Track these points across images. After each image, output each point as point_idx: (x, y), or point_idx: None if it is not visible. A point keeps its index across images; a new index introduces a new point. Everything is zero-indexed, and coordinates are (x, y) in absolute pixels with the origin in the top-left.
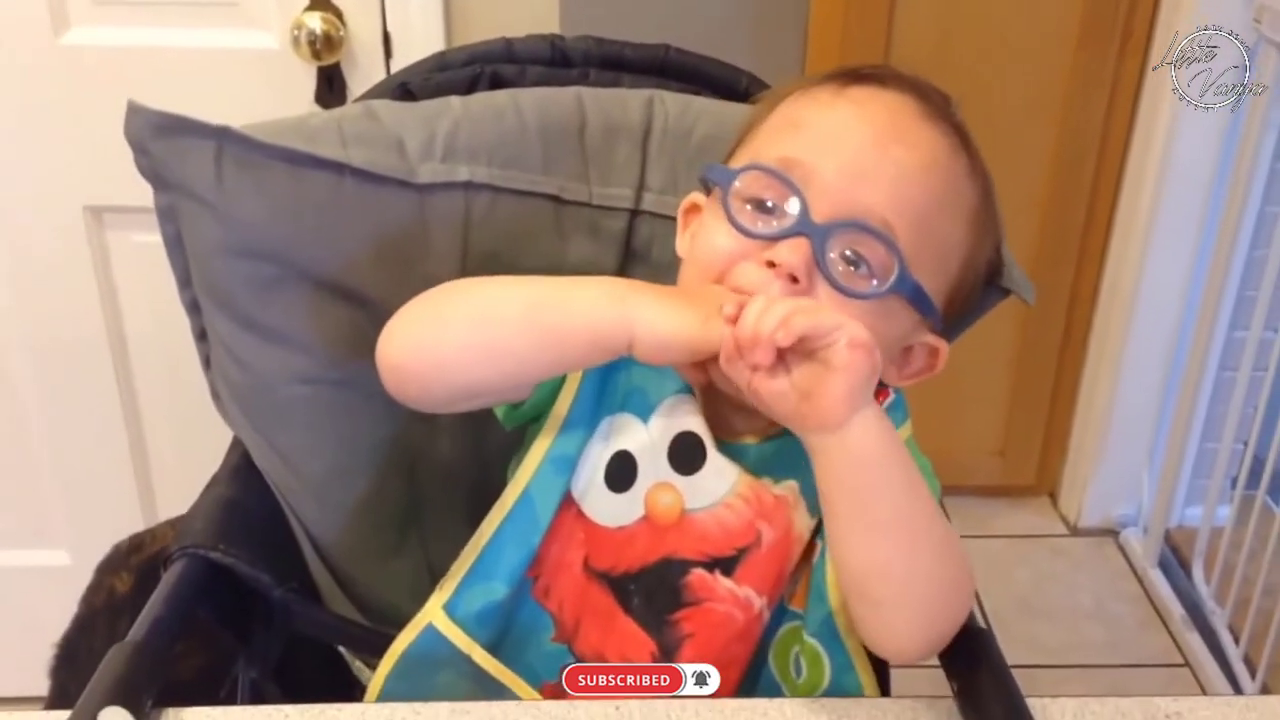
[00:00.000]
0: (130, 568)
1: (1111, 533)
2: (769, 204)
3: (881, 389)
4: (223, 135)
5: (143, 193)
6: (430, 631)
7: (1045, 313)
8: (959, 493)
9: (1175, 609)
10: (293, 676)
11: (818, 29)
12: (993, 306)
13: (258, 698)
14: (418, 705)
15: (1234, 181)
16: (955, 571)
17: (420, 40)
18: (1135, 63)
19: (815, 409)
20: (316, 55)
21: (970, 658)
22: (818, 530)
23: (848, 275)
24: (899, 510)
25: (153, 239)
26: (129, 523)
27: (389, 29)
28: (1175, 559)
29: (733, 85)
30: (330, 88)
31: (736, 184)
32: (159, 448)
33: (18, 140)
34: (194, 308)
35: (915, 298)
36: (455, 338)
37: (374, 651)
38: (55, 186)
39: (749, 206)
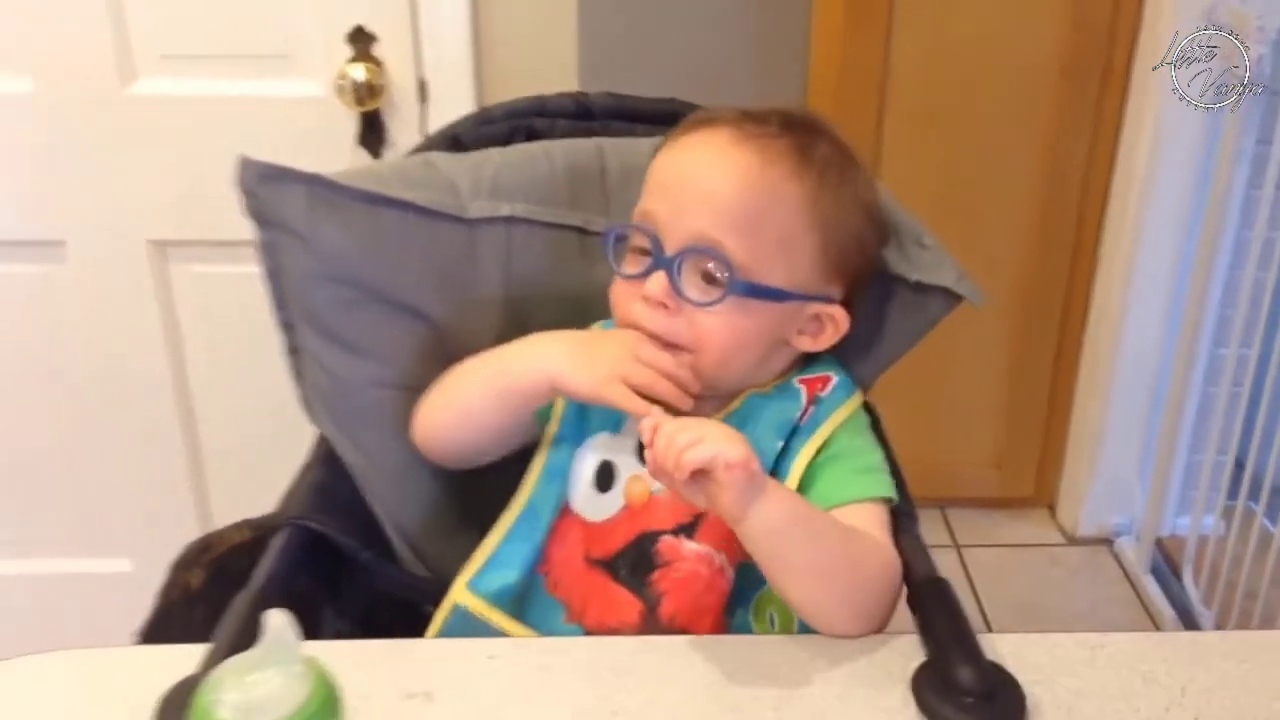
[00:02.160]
0: (202, 564)
1: (1106, 542)
2: (644, 246)
3: (824, 375)
4: (313, 181)
5: (202, 228)
6: (458, 611)
7: (1038, 332)
8: (959, 505)
9: (1167, 612)
10: (375, 627)
11: (817, 68)
12: (947, 313)
13: None
14: (485, 640)
15: (1211, 207)
16: (867, 579)
17: (452, 87)
18: (1116, 94)
19: (719, 508)
20: (359, 101)
21: (931, 600)
22: None
23: (701, 291)
24: (807, 558)
25: (211, 270)
26: (186, 531)
27: (424, 77)
28: (1167, 565)
29: None
30: (371, 131)
31: (614, 241)
32: (214, 463)
33: (88, 180)
34: (288, 326)
35: (753, 293)
36: (443, 420)
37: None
38: (122, 222)
39: (632, 252)
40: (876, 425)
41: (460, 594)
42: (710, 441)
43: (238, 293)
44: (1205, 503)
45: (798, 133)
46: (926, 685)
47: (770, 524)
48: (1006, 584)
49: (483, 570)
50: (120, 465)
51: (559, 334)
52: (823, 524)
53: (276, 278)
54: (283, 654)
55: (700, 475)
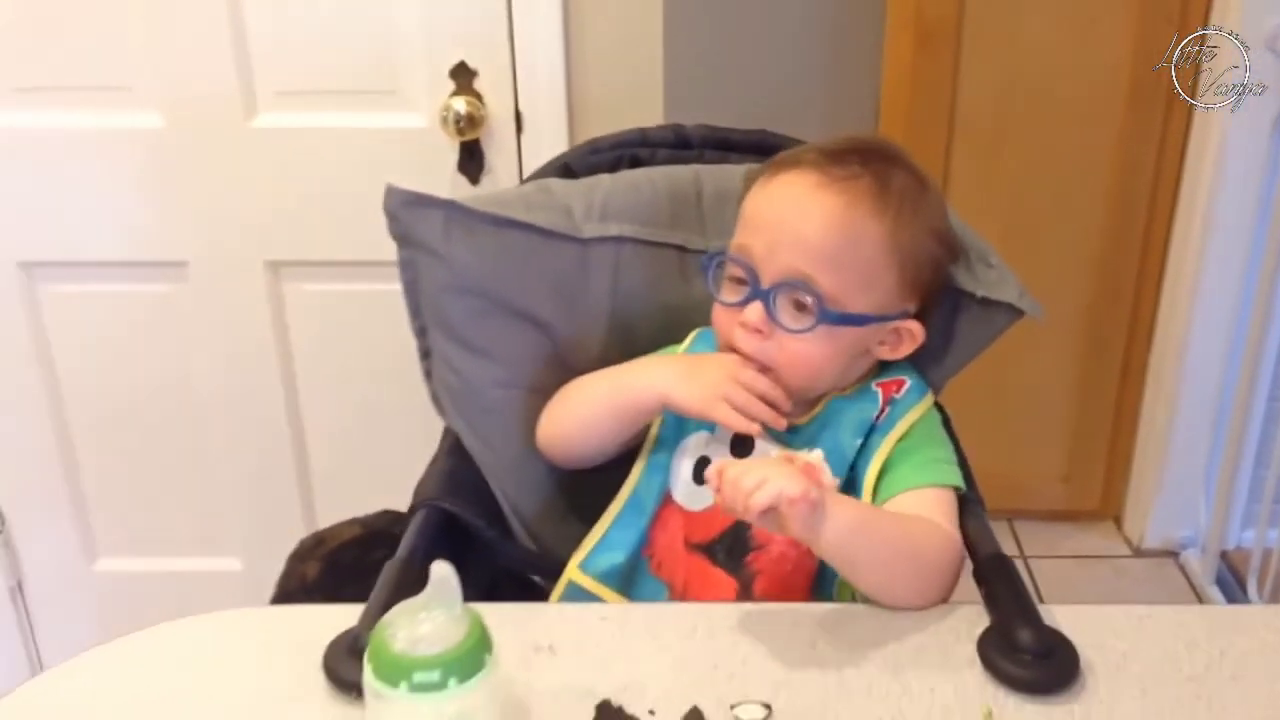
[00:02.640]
0: (317, 557)
1: (1172, 554)
2: (740, 278)
3: (899, 379)
4: (449, 206)
5: (314, 249)
6: (571, 586)
7: (1105, 349)
8: (1028, 517)
9: None
10: (495, 600)
11: (889, 93)
12: (1009, 325)
13: None
14: (598, 604)
15: (1273, 227)
16: (927, 563)
17: (546, 118)
18: (1181, 118)
19: (789, 534)
20: (460, 132)
21: (994, 574)
22: (848, 488)
23: (794, 319)
24: (871, 557)
25: (321, 288)
26: (293, 533)
27: (520, 109)
28: (1232, 577)
29: None
30: (470, 159)
31: (714, 270)
32: (319, 469)
33: (210, 205)
34: (422, 333)
35: (841, 320)
36: (565, 430)
37: (556, 578)
38: (241, 244)
39: (729, 281)
40: (947, 424)
41: (573, 573)
42: (772, 483)
43: (345, 309)
44: (1270, 516)
45: (875, 168)
46: (991, 646)
47: (837, 538)
48: (1073, 594)
49: (593, 553)
50: (234, 471)
51: (668, 357)
52: (882, 524)
53: (414, 290)
54: (445, 599)
55: (769, 509)
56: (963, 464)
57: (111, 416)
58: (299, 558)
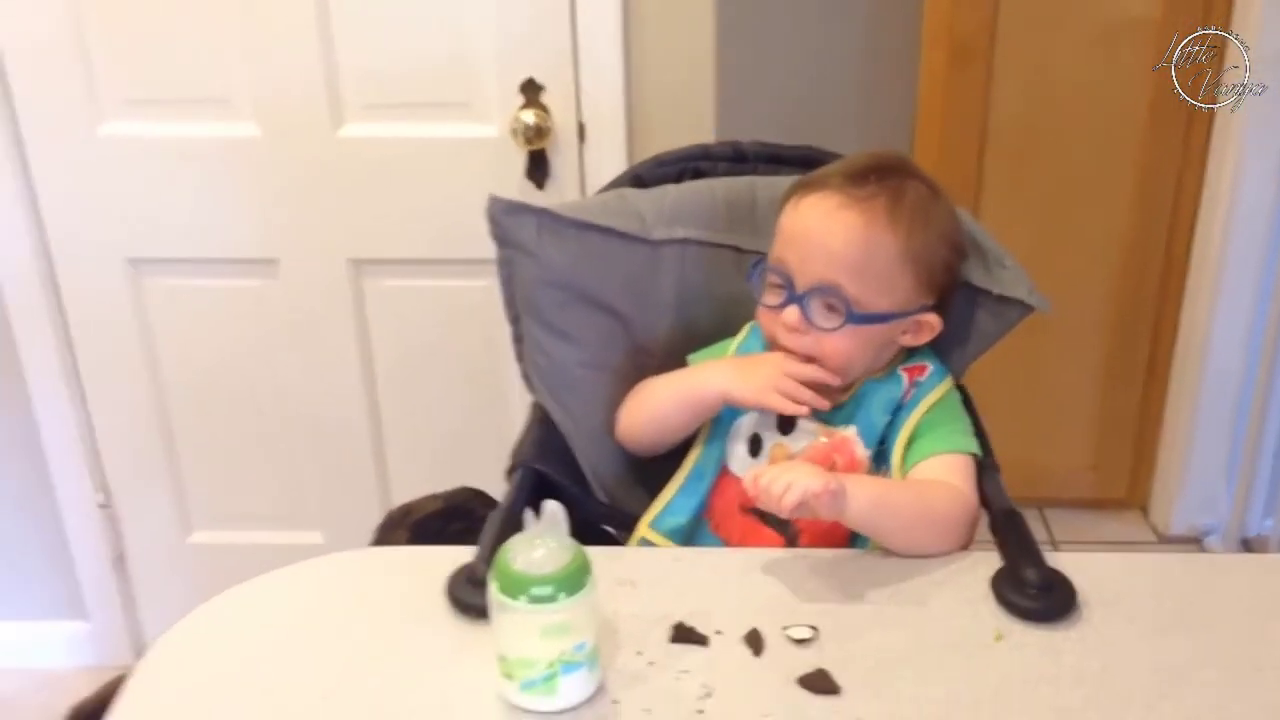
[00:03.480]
0: (405, 527)
1: (1196, 541)
2: (778, 284)
3: (922, 364)
4: (541, 213)
5: (393, 248)
6: (643, 541)
7: (1131, 345)
8: (1057, 505)
9: None
10: None
11: (924, 110)
12: (1021, 319)
13: None
14: (674, 548)
15: None
16: (941, 520)
17: (607, 130)
18: (1202, 131)
19: (820, 518)
20: (528, 142)
21: (1006, 525)
22: (879, 459)
23: (825, 318)
24: (891, 524)
25: (399, 284)
26: (369, 509)
27: (583, 122)
28: None
29: None
30: (536, 167)
31: (757, 277)
32: (394, 449)
33: (300, 207)
34: (515, 320)
35: (865, 319)
36: (641, 427)
37: (630, 529)
38: (327, 243)
39: (770, 287)
40: (969, 403)
41: (644, 530)
42: (797, 484)
43: (420, 302)
44: None
45: (890, 186)
46: (1001, 582)
47: (860, 514)
48: None
49: (661, 514)
50: (316, 452)
51: (724, 361)
52: (899, 495)
53: (509, 283)
54: (554, 530)
55: (799, 504)
56: (981, 437)
57: (207, 401)
58: (389, 527)
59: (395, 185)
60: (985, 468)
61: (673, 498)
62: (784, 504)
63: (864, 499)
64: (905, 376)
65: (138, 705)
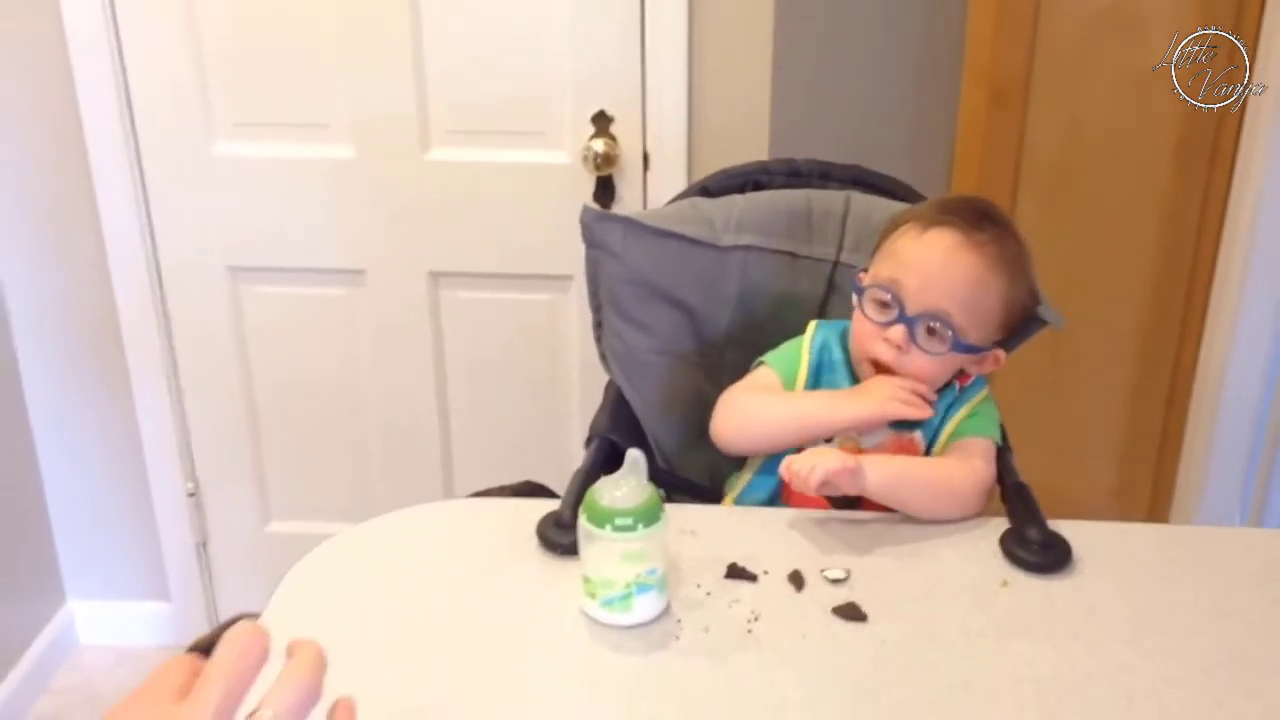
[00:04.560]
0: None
1: None
2: (886, 302)
3: (963, 375)
4: (626, 220)
5: (469, 262)
6: None
7: (1153, 373)
8: None
9: None
10: None
11: (963, 145)
12: (1036, 332)
13: None
14: (728, 507)
15: None
16: (956, 491)
17: (670, 157)
18: (1223, 173)
19: (844, 493)
20: (597, 168)
21: (1015, 495)
22: (930, 446)
23: (929, 342)
24: (907, 496)
25: (472, 295)
26: (434, 499)
27: (648, 150)
28: None
29: (895, 190)
30: (604, 190)
31: (867, 292)
32: (459, 446)
33: (387, 223)
34: (597, 310)
35: (965, 350)
36: (755, 443)
37: (693, 496)
38: (409, 256)
39: (875, 302)
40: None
41: (729, 505)
42: (819, 466)
43: (491, 313)
44: None
45: (1000, 235)
46: (1008, 540)
47: (879, 487)
48: None
49: (743, 493)
50: (387, 448)
51: (840, 392)
52: (915, 470)
53: (595, 279)
54: (635, 473)
55: (825, 482)
56: (1000, 427)
57: (291, 398)
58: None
59: (474, 205)
60: (1003, 452)
61: (751, 479)
62: (810, 483)
63: (881, 476)
64: (955, 385)
65: (275, 626)
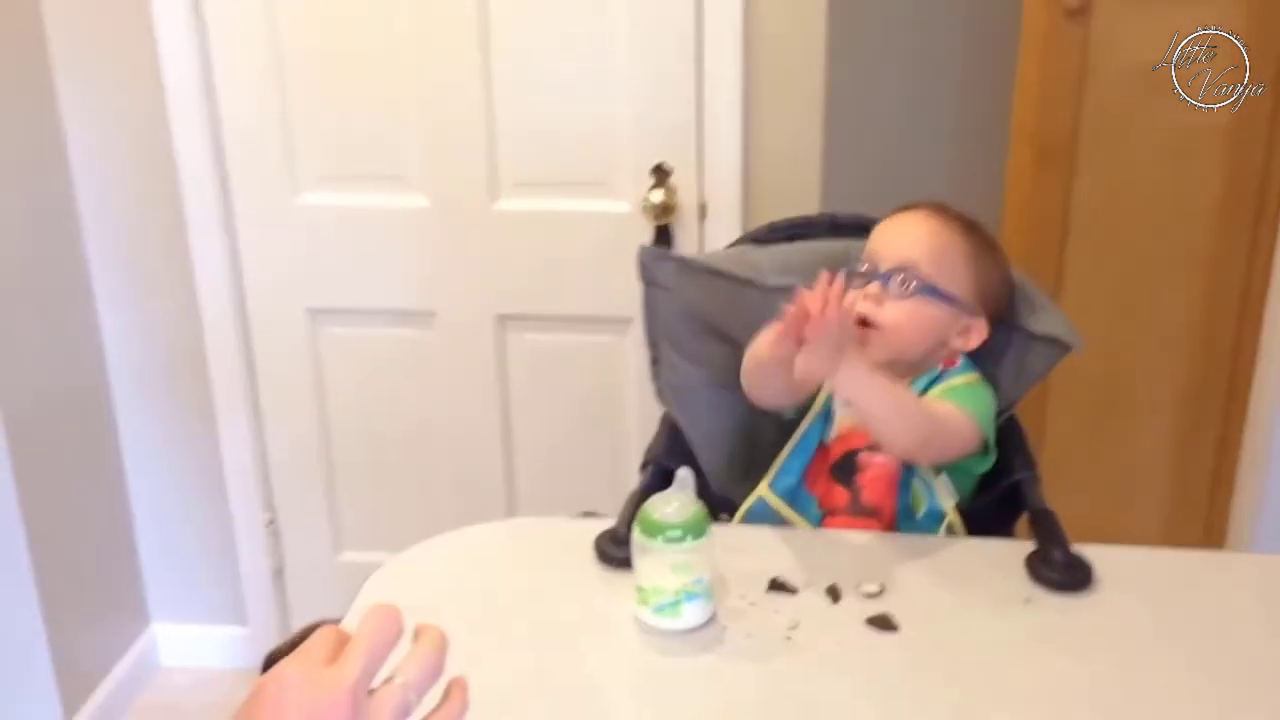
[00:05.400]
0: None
1: None
2: (865, 272)
3: (952, 360)
4: (679, 260)
5: (535, 306)
6: (760, 501)
7: (1203, 422)
8: None
9: None
10: None
11: (1010, 202)
12: (1062, 356)
13: None
14: (771, 528)
15: None
16: (927, 433)
17: (724, 208)
18: (1270, 226)
19: (815, 368)
20: (656, 217)
21: (1041, 521)
22: None
23: (901, 292)
24: (877, 408)
25: (541, 338)
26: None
27: (705, 201)
28: None
29: None
30: (661, 238)
31: (854, 266)
32: (522, 481)
33: (457, 268)
34: (654, 345)
35: (933, 292)
36: (749, 369)
37: (731, 513)
38: (478, 300)
39: (858, 276)
40: (1020, 430)
41: (763, 491)
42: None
43: (553, 353)
44: None
45: (968, 224)
46: (1033, 560)
47: (850, 378)
48: None
49: (776, 477)
50: (455, 481)
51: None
52: (892, 386)
53: (652, 315)
54: (684, 490)
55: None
56: (1022, 452)
57: (364, 433)
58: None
59: (539, 252)
60: (1028, 480)
61: (783, 465)
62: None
63: (861, 369)
64: (940, 366)
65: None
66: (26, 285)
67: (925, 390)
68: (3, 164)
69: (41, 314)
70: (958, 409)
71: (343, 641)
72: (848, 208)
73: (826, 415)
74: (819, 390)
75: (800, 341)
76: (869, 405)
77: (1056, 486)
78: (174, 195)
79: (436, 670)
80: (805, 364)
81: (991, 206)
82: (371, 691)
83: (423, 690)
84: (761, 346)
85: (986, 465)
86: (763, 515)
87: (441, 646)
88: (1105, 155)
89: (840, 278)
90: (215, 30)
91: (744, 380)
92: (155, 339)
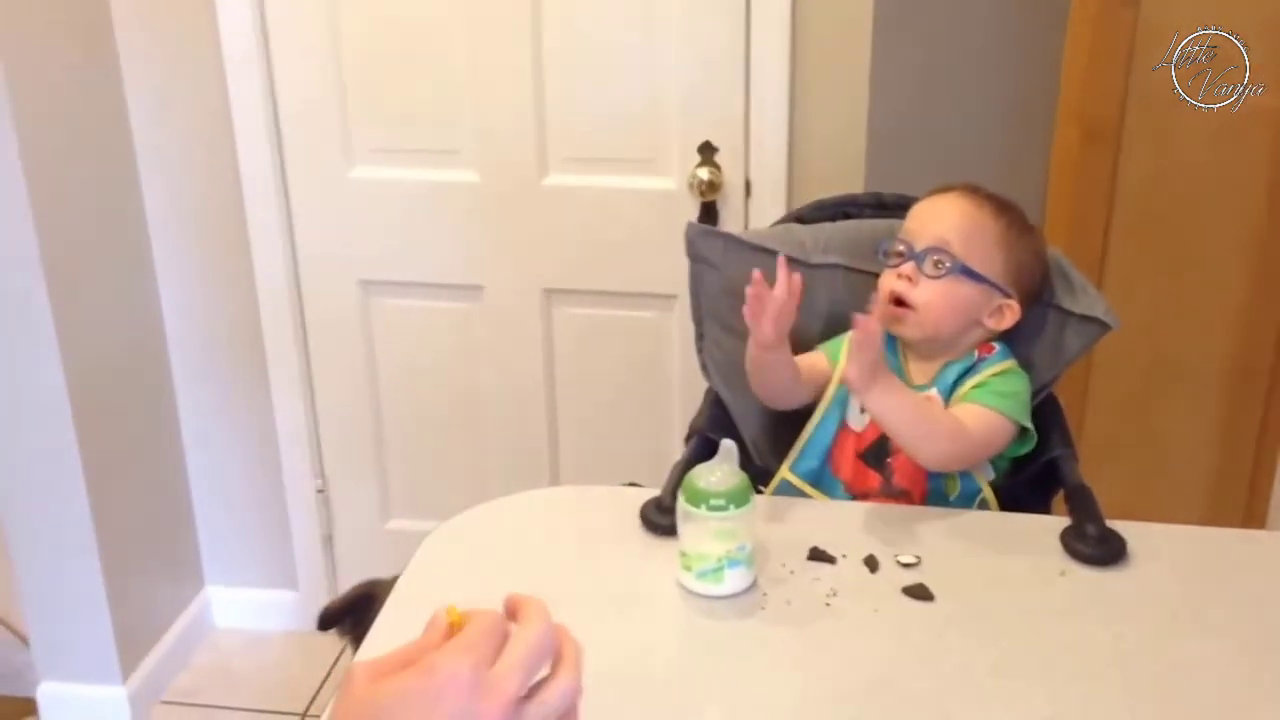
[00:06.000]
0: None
1: None
2: (900, 251)
3: (991, 346)
4: (727, 236)
5: (580, 280)
6: (783, 482)
7: (1244, 408)
8: None
9: None
10: None
11: (1055, 182)
12: (1100, 335)
13: None
14: (809, 499)
15: None
16: (935, 445)
17: (769, 186)
18: None
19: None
20: (702, 194)
21: (1076, 497)
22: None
23: (934, 271)
24: (896, 422)
25: (587, 312)
26: None
27: (750, 178)
28: None
29: None
30: (707, 215)
31: (889, 246)
32: (567, 451)
33: (506, 243)
34: (699, 321)
35: (965, 272)
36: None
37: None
38: (525, 274)
39: (892, 254)
40: (1058, 408)
41: (785, 473)
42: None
43: (599, 328)
44: None
45: (999, 202)
46: (1067, 535)
47: (882, 396)
48: None
49: (796, 461)
50: (501, 452)
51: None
52: (917, 402)
53: (697, 291)
54: (727, 460)
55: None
56: (1061, 430)
57: (413, 404)
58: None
59: (586, 227)
60: (1064, 457)
61: (804, 448)
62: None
63: (893, 389)
64: (976, 353)
65: (410, 588)
66: (89, 256)
67: (960, 379)
68: (66, 136)
69: (103, 285)
70: (989, 413)
71: (505, 636)
72: (892, 187)
73: (842, 401)
74: (829, 381)
75: (775, 330)
76: (899, 425)
77: (1097, 467)
78: (232, 170)
79: (575, 696)
80: (847, 373)
81: (1037, 186)
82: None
83: (559, 716)
84: (750, 349)
85: (1026, 449)
86: (788, 493)
87: (579, 666)
88: (1152, 136)
89: (796, 273)
90: (273, 6)
91: (750, 383)
92: (212, 310)
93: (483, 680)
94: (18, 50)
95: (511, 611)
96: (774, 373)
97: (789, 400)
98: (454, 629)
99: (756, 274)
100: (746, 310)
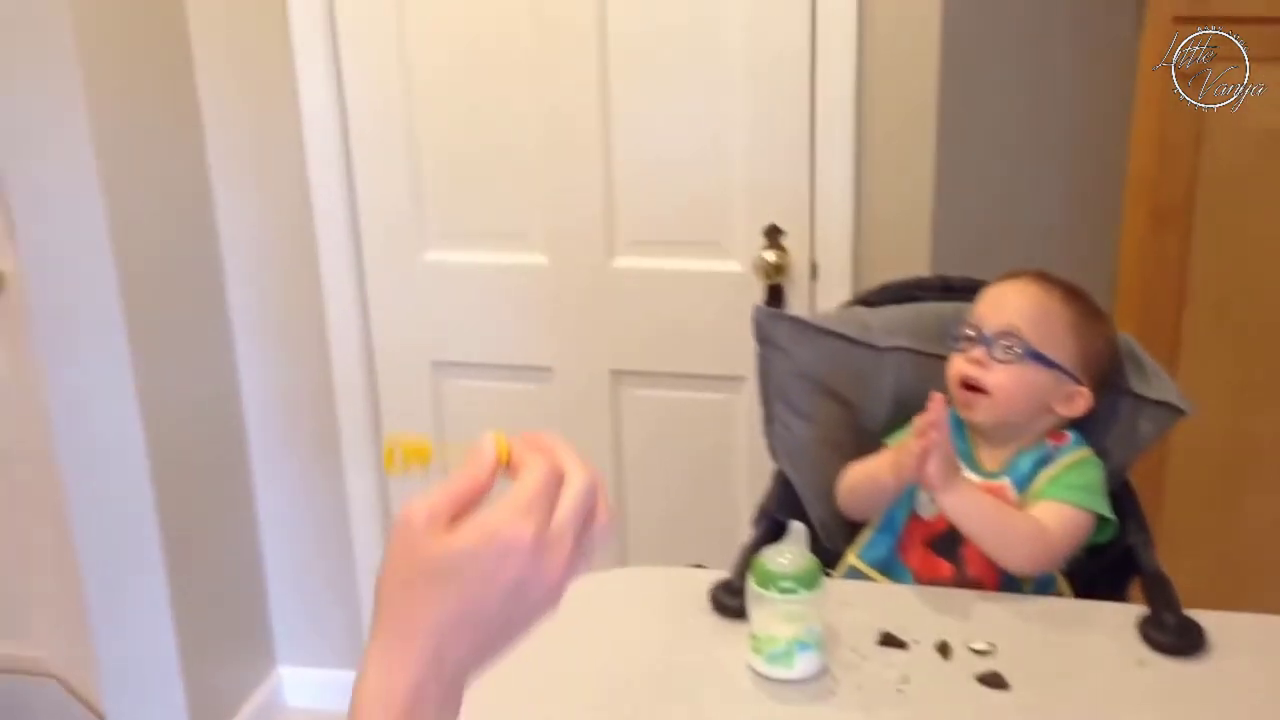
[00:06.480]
0: None
1: None
2: (970, 336)
3: (1063, 434)
4: (793, 319)
5: (648, 363)
6: (850, 569)
7: None
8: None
9: None
10: None
11: (1125, 263)
12: (1173, 422)
13: None
14: (880, 584)
15: None
16: (1016, 552)
17: (836, 268)
18: None
19: (930, 481)
20: (768, 276)
21: (1154, 585)
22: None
23: (1005, 355)
24: (975, 529)
25: (655, 394)
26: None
27: (816, 261)
28: None
29: None
30: (773, 298)
31: (958, 330)
32: (634, 531)
33: (574, 324)
34: (767, 403)
35: (1036, 357)
36: (843, 493)
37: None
38: (593, 356)
39: (962, 339)
40: (1132, 493)
41: (852, 559)
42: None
43: (666, 409)
44: None
45: (1069, 288)
46: (1146, 624)
47: (958, 499)
48: None
49: (865, 548)
50: None
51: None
52: (992, 505)
53: (766, 374)
54: (796, 542)
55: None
56: (1135, 516)
57: None
58: None
59: (653, 309)
60: (1141, 544)
61: (873, 535)
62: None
63: (967, 491)
64: (1050, 442)
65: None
66: (171, 335)
67: (1035, 470)
68: (152, 213)
69: (184, 364)
70: (1067, 509)
71: (558, 487)
72: (957, 270)
73: (911, 490)
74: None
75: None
76: (979, 530)
77: (1175, 557)
78: (311, 253)
79: (611, 532)
80: (924, 475)
81: (1105, 268)
82: None
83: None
84: (878, 467)
85: (1105, 537)
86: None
87: (606, 496)
88: (1223, 217)
89: (944, 401)
90: (352, 91)
91: (842, 495)
92: (288, 389)
93: (543, 540)
94: (113, 137)
95: (531, 447)
96: (883, 499)
97: (877, 515)
98: (500, 461)
99: (938, 397)
100: (916, 443)
